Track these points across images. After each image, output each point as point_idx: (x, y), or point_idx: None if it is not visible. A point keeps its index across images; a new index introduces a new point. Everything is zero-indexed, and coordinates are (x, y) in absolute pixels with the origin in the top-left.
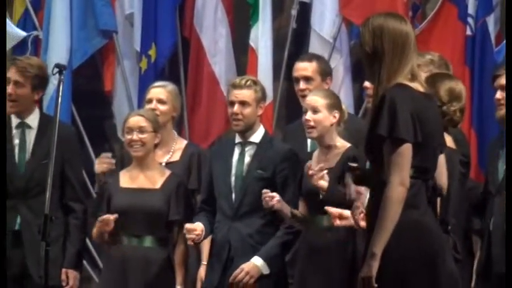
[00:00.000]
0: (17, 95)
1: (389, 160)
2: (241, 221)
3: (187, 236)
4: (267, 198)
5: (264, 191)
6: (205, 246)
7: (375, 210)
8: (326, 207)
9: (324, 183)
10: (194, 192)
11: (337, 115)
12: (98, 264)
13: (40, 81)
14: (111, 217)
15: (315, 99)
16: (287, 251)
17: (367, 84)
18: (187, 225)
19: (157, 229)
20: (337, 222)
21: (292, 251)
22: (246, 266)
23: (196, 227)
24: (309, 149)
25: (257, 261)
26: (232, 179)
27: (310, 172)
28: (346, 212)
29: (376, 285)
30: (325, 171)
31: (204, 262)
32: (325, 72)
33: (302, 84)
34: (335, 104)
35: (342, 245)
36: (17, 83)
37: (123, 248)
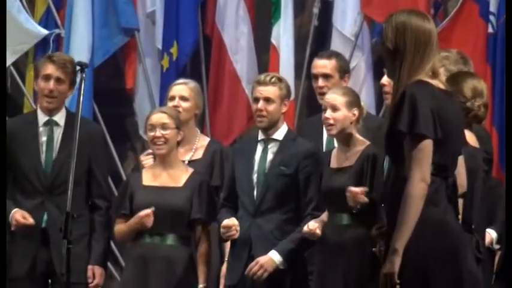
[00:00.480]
0: (58, 92)
1: (410, 156)
2: (262, 217)
3: (227, 234)
4: (356, 197)
5: (351, 189)
6: (228, 243)
7: (394, 207)
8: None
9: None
10: (218, 189)
11: (356, 112)
12: (119, 262)
13: (75, 78)
14: (149, 211)
15: (334, 97)
16: (306, 247)
17: (384, 81)
18: (225, 222)
19: (180, 227)
20: None
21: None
22: (261, 259)
23: (234, 223)
24: (324, 147)
25: (274, 255)
26: (255, 175)
27: (351, 194)
28: None
29: (398, 281)
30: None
31: (227, 259)
32: (344, 70)
33: (321, 82)
34: (354, 101)
35: (360, 243)
36: (59, 80)
37: (145, 246)
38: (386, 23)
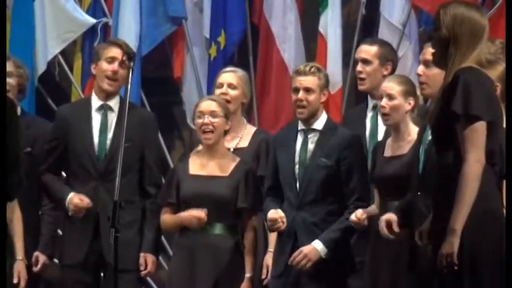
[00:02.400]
0: (120, 75)
1: (464, 138)
2: (306, 209)
3: (274, 226)
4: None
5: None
6: (273, 233)
7: (443, 192)
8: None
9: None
10: (263, 179)
11: (412, 102)
12: (167, 251)
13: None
14: (203, 214)
15: (391, 85)
16: (350, 236)
17: (419, 71)
18: (270, 215)
19: (227, 216)
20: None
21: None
22: (305, 249)
23: (280, 215)
24: (367, 136)
25: (317, 244)
26: (296, 167)
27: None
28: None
29: (457, 261)
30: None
31: (271, 249)
32: (385, 58)
33: (359, 66)
34: (410, 90)
35: (412, 232)
36: (122, 64)
37: (192, 235)
38: (443, 11)
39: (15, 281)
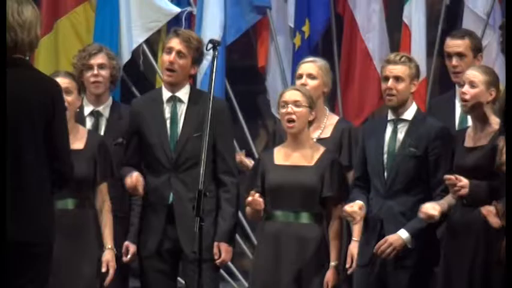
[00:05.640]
0: (178, 65)
1: None
2: (393, 199)
3: (350, 219)
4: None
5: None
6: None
7: None
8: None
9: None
10: (346, 169)
11: (493, 93)
12: (251, 240)
13: (199, 55)
14: (257, 195)
15: (474, 73)
16: (435, 227)
17: None
18: (346, 208)
19: (312, 205)
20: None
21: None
22: (390, 238)
23: (355, 207)
24: (456, 125)
25: (402, 233)
26: (385, 156)
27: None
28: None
29: None
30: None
31: (355, 238)
32: (477, 49)
33: (455, 61)
34: (493, 81)
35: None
36: (179, 53)
37: (278, 224)
38: None
39: (103, 269)
